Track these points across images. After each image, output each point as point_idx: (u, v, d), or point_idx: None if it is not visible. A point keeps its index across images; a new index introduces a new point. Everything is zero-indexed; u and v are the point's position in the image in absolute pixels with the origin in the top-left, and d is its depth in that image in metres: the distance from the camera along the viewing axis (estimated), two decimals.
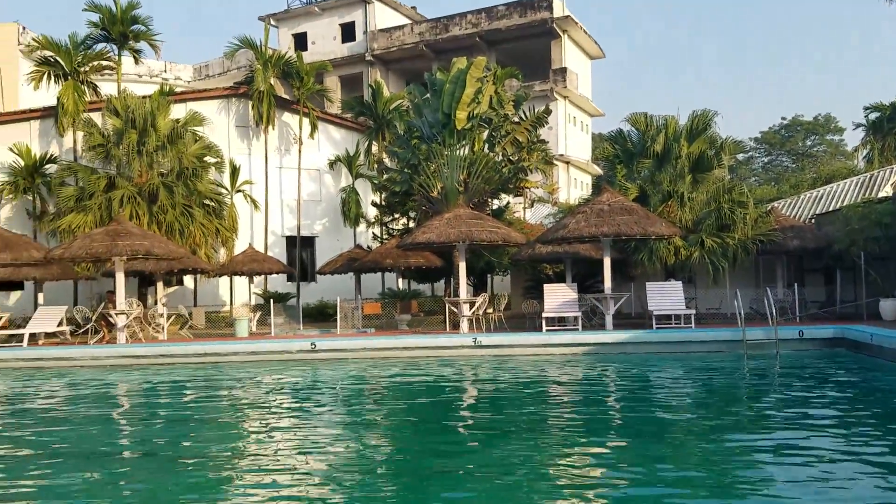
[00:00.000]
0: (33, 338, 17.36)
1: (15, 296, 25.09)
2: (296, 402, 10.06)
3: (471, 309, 17.57)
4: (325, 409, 9.50)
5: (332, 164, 30.10)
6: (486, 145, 23.36)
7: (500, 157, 23.44)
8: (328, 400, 10.41)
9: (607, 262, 16.80)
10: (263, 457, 6.76)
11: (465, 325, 17.33)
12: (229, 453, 7.00)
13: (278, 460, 6.54)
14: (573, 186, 42.56)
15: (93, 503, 5.41)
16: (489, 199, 23.50)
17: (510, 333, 16.36)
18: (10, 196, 24.79)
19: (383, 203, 27.06)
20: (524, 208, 30.47)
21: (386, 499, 5.38)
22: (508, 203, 25.58)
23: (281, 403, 10.06)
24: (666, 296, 16.90)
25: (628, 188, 19.90)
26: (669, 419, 8.36)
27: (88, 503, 5.42)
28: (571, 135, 43.16)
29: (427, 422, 8.61)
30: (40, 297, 21.73)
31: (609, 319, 16.41)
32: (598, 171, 32.19)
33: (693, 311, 16.52)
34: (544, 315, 16.70)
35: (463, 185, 20.32)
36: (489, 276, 26.83)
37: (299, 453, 6.78)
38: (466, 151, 21.53)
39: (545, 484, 5.56)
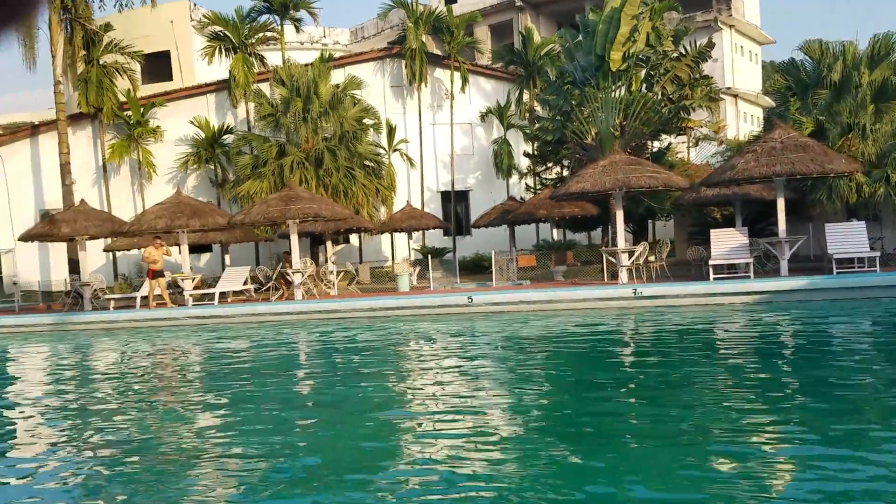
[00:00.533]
0: (223, 296, 19.08)
1: (205, 258, 27.60)
2: (453, 356, 10.39)
3: (630, 258, 17.16)
4: (482, 363, 9.73)
5: (483, 117, 30.14)
6: (644, 85, 22.35)
7: (660, 97, 22.36)
8: (485, 354, 10.65)
9: (781, 203, 15.71)
10: (424, 410, 7.06)
11: (623, 275, 16.96)
12: (396, 405, 7.38)
13: (438, 415, 6.81)
14: (742, 121, 39.84)
15: (279, 447, 5.91)
16: (648, 142, 22.59)
17: (673, 283, 15.82)
18: (195, 166, 27.07)
19: (535, 153, 26.80)
20: (688, 148, 29.02)
21: (543, 454, 5.47)
22: (670, 144, 24.44)
23: (440, 357, 10.43)
24: (847, 237, 15.61)
25: (803, 122, 18.38)
26: (852, 375, 7.78)
27: (280, 448, 5.91)
28: (739, 66, 40.23)
29: (584, 377, 8.59)
30: (226, 258, 23.80)
31: (784, 265, 15.42)
32: (770, 102, 29.83)
33: (878, 254, 15.15)
34: (711, 262, 15.98)
35: (619, 130, 19.67)
36: (650, 221, 25.96)
37: (456, 409, 7.02)
38: (622, 93, 20.74)
39: (712, 447, 5.40)
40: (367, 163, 24.91)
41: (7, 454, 6.38)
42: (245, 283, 19.53)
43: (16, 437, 7.05)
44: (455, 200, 29.50)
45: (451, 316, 15.05)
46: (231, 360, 11.35)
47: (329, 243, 23.21)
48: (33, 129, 28.37)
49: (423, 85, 28.65)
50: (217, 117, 27.89)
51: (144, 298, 19.44)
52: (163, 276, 18.33)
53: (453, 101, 28.91)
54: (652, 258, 18.55)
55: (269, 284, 19.61)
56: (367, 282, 23.45)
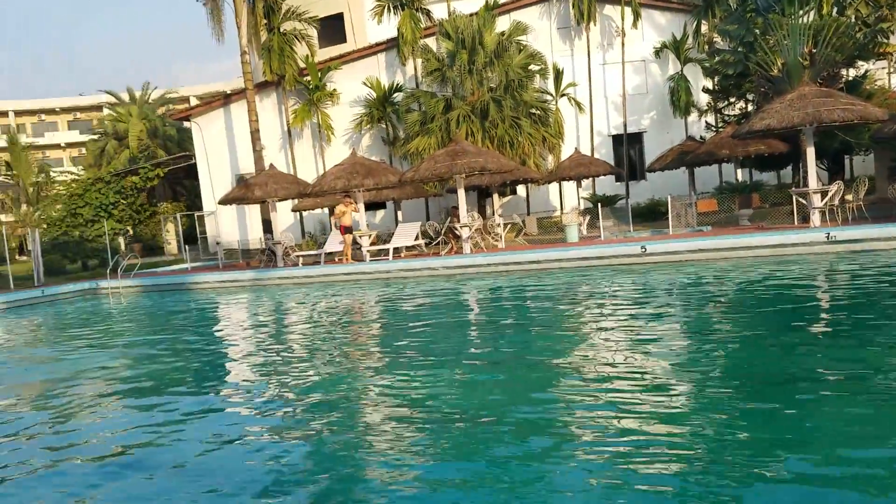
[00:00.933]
0: (397, 251, 19.88)
1: (379, 214, 28.84)
2: (627, 309, 10.08)
3: (822, 199, 15.65)
4: (661, 316, 9.36)
5: (657, 53, 28.52)
6: (835, 9, 20.02)
7: (853, 21, 19.93)
8: (664, 307, 10.24)
9: None
10: (601, 362, 6.92)
11: (816, 217, 15.54)
12: (569, 357, 7.31)
13: (615, 367, 6.66)
14: None
15: (453, 396, 6.08)
16: (841, 71, 20.28)
17: (873, 225, 14.26)
18: (368, 126, 28.16)
19: (716, 88, 25.01)
20: (889, 74, 25.75)
21: (728, 407, 5.23)
22: (867, 72, 21.80)
23: (615, 310, 10.17)
24: None
25: None
26: None
27: (454, 396, 6.10)
28: None
29: (772, 330, 8.00)
30: (399, 214, 24.71)
31: None
32: None
33: None
34: None
35: (808, 59, 17.81)
36: (846, 158, 23.49)
37: (633, 363, 6.82)
38: (811, 19, 18.70)
39: None
40: (533, 111, 24.56)
41: (218, 395, 7.11)
42: (416, 238, 20.19)
43: (226, 382, 7.82)
44: (627, 144, 28.40)
45: (623, 267, 14.63)
46: (409, 313, 11.83)
47: (496, 196, 23.32)
48: (225, 99, 30.80)
49: (591, 24, 27.59)
50: (387, 76, 28.69)
51: (329, 254, 20.74)
52: (351, 232, 19.39)
53: (624, 39, 27.63)
54: (849, 198, 16.85)
55: (439, 239, 20.14)
56: (534, 233, 23.37)
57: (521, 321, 10.19)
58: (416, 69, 27.86)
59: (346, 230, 19.42)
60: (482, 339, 9.18)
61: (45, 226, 33.48)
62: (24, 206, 31.20)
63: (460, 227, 18.51)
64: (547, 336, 8.85)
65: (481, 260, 16.51)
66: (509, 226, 21.47)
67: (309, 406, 6.44)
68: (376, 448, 5.09)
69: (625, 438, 4.80)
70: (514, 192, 28.45)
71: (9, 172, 33.56)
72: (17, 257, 35.20)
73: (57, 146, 64.94)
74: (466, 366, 7.43)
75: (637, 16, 27.49)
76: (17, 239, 34.55)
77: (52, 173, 44.83)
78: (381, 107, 27.70)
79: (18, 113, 66.00)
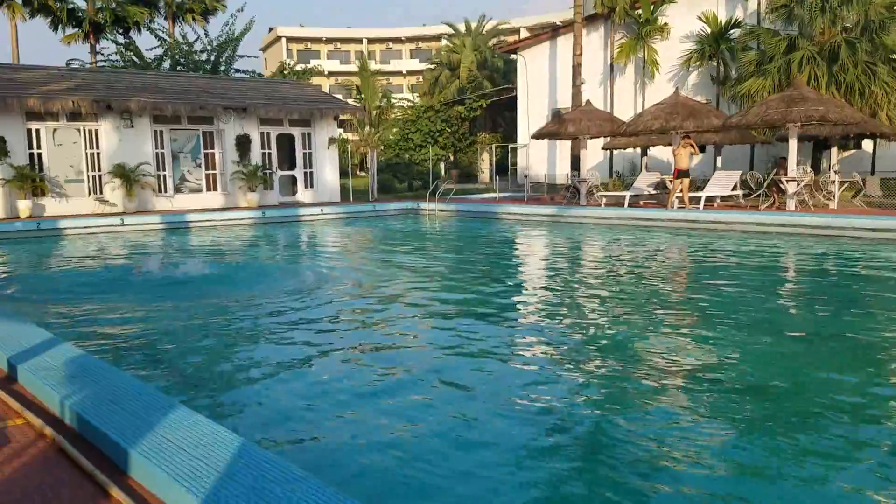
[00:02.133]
0: (710, 200, 18.66)
1: (696, 159, 27.15)
2: None
3: None
4: None
5: None
6: None
7: None
8: None
9: None
10: None
11: None
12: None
13: None
14: None
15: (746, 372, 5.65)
16: None
17: None
18: (697, 63, 26.39)
19: None
20: None
21: None
22: None
23: None
24: None
25: None
26: None
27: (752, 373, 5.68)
28: None
29: None
30: (718, 160, 23.05)
31: None
32: None
33: None
34: None
35: None
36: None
37: None
38: None
39: None
40: (893, 57, 20.89)
41: (500, 325, 7.46)
42: (734, 188, 18.70)
43: (511, 313, 8.17)
44: None
45: None
46: (712, 268, 11.15)
47: (834, 150, 20.50)
48: (553, 32, 31.00)
49: None
50: (726, 11, 26.44)
51: (633, 197, 20.21)
52: (687, 176, 18.01)
53: None
54: None
55: (760, 191, 18.41)
56: (876, 195, 20.22)
57: (842, 295, 8.96)
58: (759, 4, 25.25)
59: (680, 174, 17.99)
60: (793, 309, 8.24)
61: (381, 147, 37.39)
62: (367, 128, 35.04)
63: (787, 180, 16.71)
64: (877, 317, 7.66)
65: (806, 220, 14.78)
66: (846, 185, 18.86)
67: (592, 350, 6.37)
68: (653, 408, 4.83)
69: None
70: (857, 146, 24.80)
71: (358, 96, 37.68)
72: (357, 172, 39.90)
73: (399, 73, 71.42)
74: (770, 334, 6.74)
75: None
76: (359, 156, 39.05)
77: (392, 99, 49.66)
78: (715, 43, 25.71)
79: (371, 41, 73.55)
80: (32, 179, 19.03)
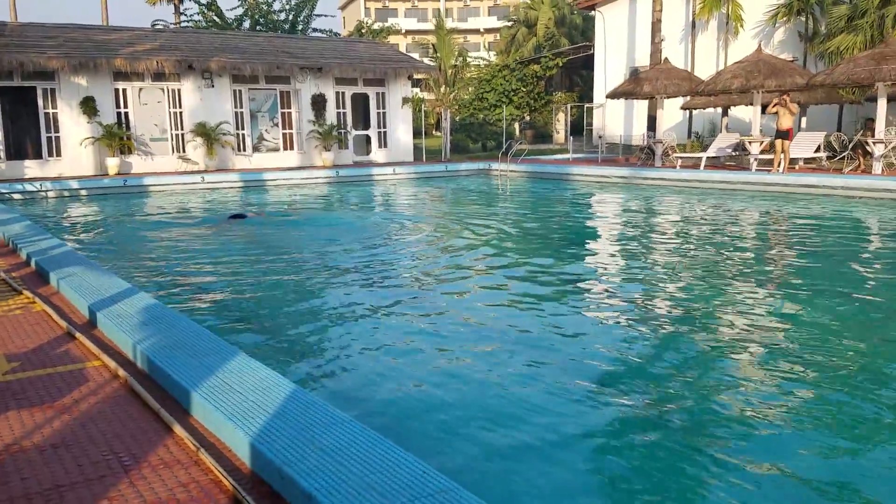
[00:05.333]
0: (793, 162, 17.94)
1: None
2: None
3: None
4: None
5: None
6: None
7: None
8: None
9: None
10: None
11: None
12: None
13: None
14: None
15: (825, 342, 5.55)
16: None
17: None
18: (784, 18, 25.12)
19: None
20: None
21: None
22: None
23: None
24: None
25: None
26: None
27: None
28: None
29: None
30: (803, 121, 22.04)
31: None
32: None
33: None
34: None
35: None
36: None
37: None
38: None
39: None
40: None
41: (568, 286, 7.53)
42: (818, 150, 17.92)
43: (579, 276, 8.21)
44: None
45: None
46: (792, 235, 10.85)
47: None
48: None
49: None
50: None
51: (711, 158, 19.62)
52: (787, 137, 17.00)
53: None
54: None
55: (845, 154, 17.58)
56: None
57: None
58: None
59: (780, 134, 17.01)
60: (876, 280, 7.91)
61: (456, 107, 37.28)
62: (442, 88, 34.90)
63: (873, 142, 15.91)
64: None
65: (892, 184, 14.08)
66: None
67: (665, 315, 6.35)
68: (726, 378, 4.75)
69: None
70: None
71: (434, 55, 37.59)
72: (433, 132, 40.01)
73: (476, 31, 70.58)
74: (850, 305, 6.54)
75: None
76: (435, 116, 39.13)
77: (468, 58, 49.25)
78: None
79: None
80: (120, 137, 19.95)
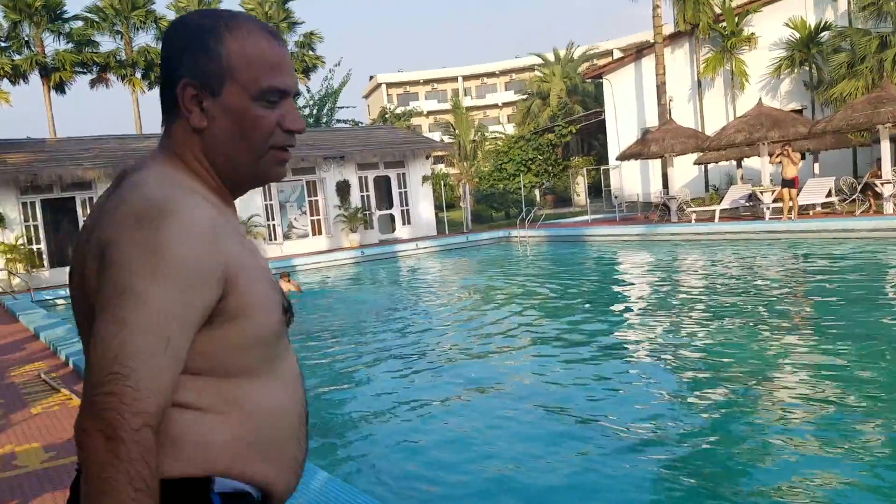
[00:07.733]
0: (809, 209, 18.32)
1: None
2: None
3: None
4: None
5: None
6: None
7: None
8: None
9: None
10: None
11: None
12: None
13: None
14: None
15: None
16: None
17: None
18: (788, 70, 25.81)
19: None
20: None
21: None
22: None
23: None
24: None
25: None
26: None
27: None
28: None
29: None
30: (815, 167, 22.41)
31: None
32: None
33: None
34: None
35: None
36: None
37: None
38: None
39: None
40: None
41: (594, 345, 7.96)
42: (828, 194, 18.24)
43: (603, 335, 8.64)
44: None
45: None
46: (813, 280, 11.11)
47: None
48: (637, 54, 31.10)
49: None
50: (815, 14, 25.79)
51: (725, 210, 20.01)
52: (792, 186, 17.21)
53: None
54: None
55: (854, 196, 17.86)
56: None
57: None
58: (848, 4, 24.50)
59: (785, 184, 17.22)
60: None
61: (476, 179, 38.33)
62: (463, 162, 36.04)
63: (881, 183, 16.22)
64: None
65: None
66: None
67: (702, 369, 6.52)
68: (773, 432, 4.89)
69: None
70: None
71: (454, 132, 38.91)
72: (459, 204, 41.02)
73: (495, 106, 72.68)
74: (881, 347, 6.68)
75: None
76: (459, 188, 40.22)
77: (486, 133, 50.73)
78: (805, 48, 25.10)
79: (465, 78, 75.33)
80: None
